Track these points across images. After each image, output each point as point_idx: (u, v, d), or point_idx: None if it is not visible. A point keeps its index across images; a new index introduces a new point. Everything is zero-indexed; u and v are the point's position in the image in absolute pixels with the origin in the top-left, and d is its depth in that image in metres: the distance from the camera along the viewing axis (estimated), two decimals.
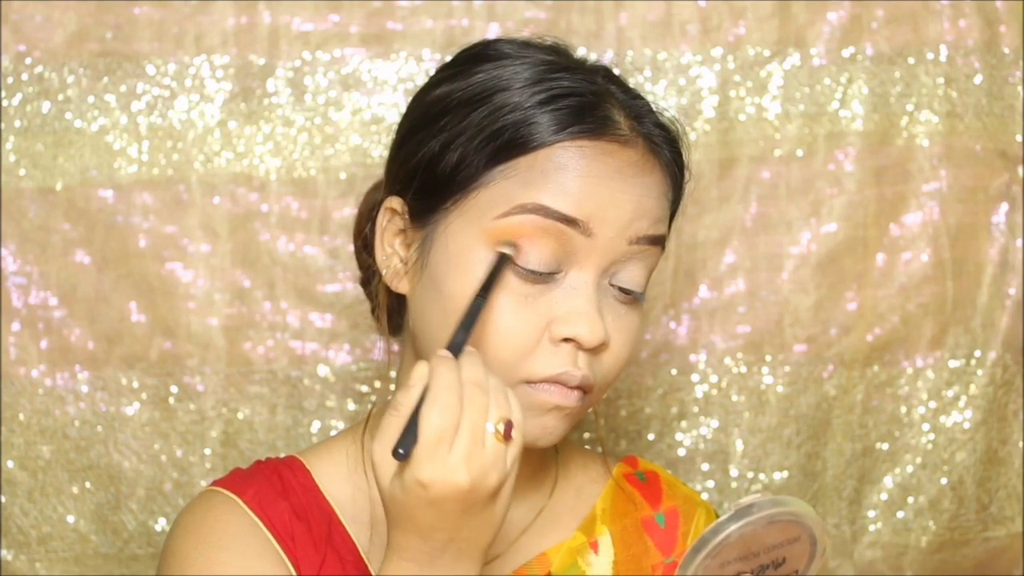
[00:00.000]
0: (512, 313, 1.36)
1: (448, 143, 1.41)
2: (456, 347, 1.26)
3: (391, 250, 1.47)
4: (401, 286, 1.46)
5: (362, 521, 1.48)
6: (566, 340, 1.37)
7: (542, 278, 1.37)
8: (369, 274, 1.55)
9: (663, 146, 1.45)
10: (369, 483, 1.49)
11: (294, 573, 1.41)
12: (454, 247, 1.39)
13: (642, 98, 1.48)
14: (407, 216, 1.45)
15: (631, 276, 1.41)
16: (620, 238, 1.38)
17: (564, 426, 1.40)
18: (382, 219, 1.48)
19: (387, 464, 1.22)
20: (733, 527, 1.23)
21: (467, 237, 1.38)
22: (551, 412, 1.38)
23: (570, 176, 1.37)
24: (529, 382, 1.37)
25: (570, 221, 1.36)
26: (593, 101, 1.41)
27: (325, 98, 2.01)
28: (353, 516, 1.48)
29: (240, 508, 1.44)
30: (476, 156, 1.39)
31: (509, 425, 1.22)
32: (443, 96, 1.45)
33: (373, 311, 1.58)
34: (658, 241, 1.43)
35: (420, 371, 1.23)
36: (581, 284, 1.38)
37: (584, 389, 1.39)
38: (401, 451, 1.18)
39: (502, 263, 1.35)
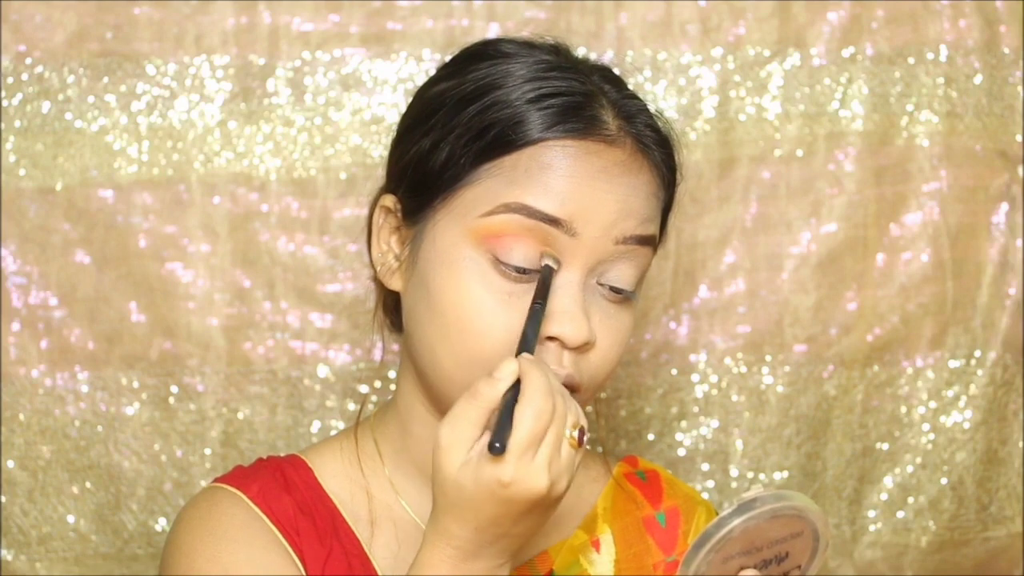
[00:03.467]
0: (496, 311, 1.37)
1: (438, 141, 1.42)
2: (530, 353, 1.29)
3: (386, 247, 1.48)
4: (394, 283, 1.47)
5: (362, 517, 1.48)
6: (550, 339, 1.37)
7: (526, 276, 1.37)
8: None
9: (653, 147, 1.45)
10: (366, 479, 1.50)
11: (300, 567, 1.41)
12: (441, 245, 1.40)
13: (637, 98, 1.48)
14: (400, 214, 1.46)
15: (620, 275, 1.41)
16: (606, 238, 1.39)
17: None
18: (378, 217, 1.49)
19: (456, 448, 1.22)
20: (736, 521, 1.23)
21: (453, 235, 1.39)
22: None
23: (554, 175, 1.37)
24: None
25: (553, 221, 1.37)
26: (581, 101, 1.41)
27: (325, 98, 2.01)
28: (354, 512, 1.48)
29: (245, 503, 1.44)
30: (463, 154, 1.40)
31: (583, 432, 1.24)
32: (439, 93, 1.46)
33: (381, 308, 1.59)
34: (647, 241, 1.43)
35: (510, 367, 1.24)
36: (566, 283, 1.38)
37: (570, 388, 1.38)
38: (497, 445, 1.18)
39: (548, 275, 1.37)
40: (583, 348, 1.39)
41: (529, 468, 1.20)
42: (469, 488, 1.21)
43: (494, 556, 1.26)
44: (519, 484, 1.20)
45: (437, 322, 1.38)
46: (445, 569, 1.25)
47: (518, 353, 1.28)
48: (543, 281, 1.36)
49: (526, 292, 1.37)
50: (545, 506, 1.24)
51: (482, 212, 1.38)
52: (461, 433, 1.22)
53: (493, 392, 1.22)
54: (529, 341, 1.30)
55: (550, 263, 1.37)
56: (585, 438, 1.25)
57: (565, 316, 1.37)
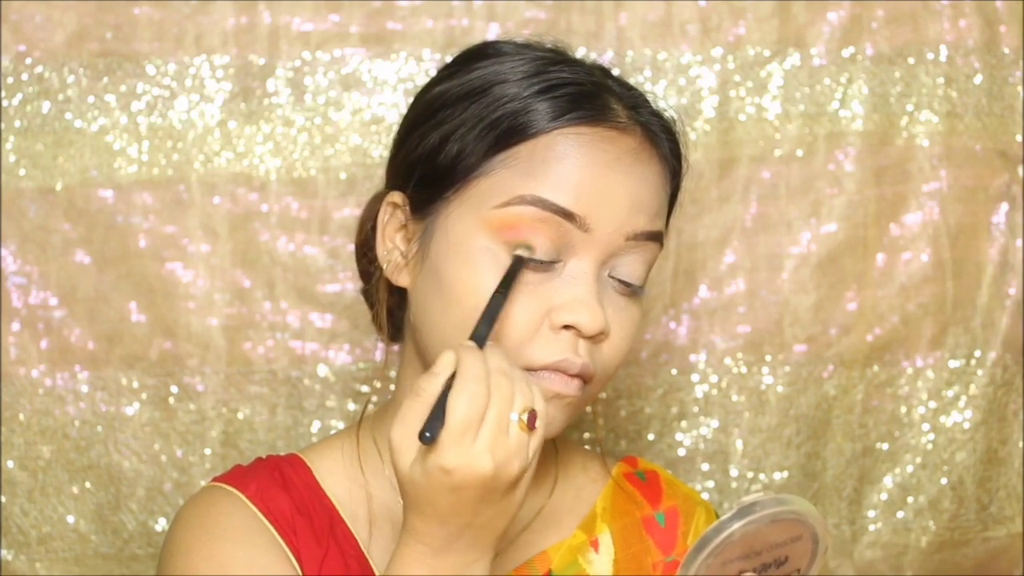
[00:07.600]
0: (512, 300, 1.36)
1: (448, 134, 1.42)
2: (479, 340, 1.27)
3: (392, 245, 1.48)
4: (402, 279, 1.47)
5: (361, 517, 1.48)
6: (566, 328, 1.37)
7: (542, 266, 1.38)
8: (369, 280, 1.55)
9: (661, 135, 1.46)
10: (367, 479, 1.50)
11: (297, 566, 1.41)
12: (454, 236, 1.40)
13: (638, 91, 1.49)
14: (408, 209, 1.46)
15: (630, 270, 1.42)
16: (617, 234, 1.39)
17: (564, 416, 1.40)
18: (383, 215, 1.49)
19: (406, 447, 1.22)
20: (736, 526, 1.23)
21: (467, 225, 1.39)
22: (552, 401, 1.38)
23: (569, 166, 1.38)
24: (529, 369, 1.37)
25: (567, 215, 1.37)
26: (591, 90, 1.42)
27: (325, 98, 2.01)
28: (353, 512, 1.48)
29: (243, 502, 1.44)
30: (476, 145, 1.40)
31: (533, 415, 1.23)
32: (442, 92, 1.46)
33: (374, 319, 1.58)
34: (655, 237, 1.43)
35: (447, 359, 1.23)
36: (581, 273, 1.39)
37: (584, 378, 1.39)
38: (428, 434, 1.18)
39: (517, 266, 1.36)
40: (598, 338, 1.39)
41: (469, 453, 1.19)
42: (421, 483, 1.21)
43: (465, 550, 1.25)
44: (462, 470, 1.19)
45: (452, 312, 1.38)
46: (417, 566, 1.25)
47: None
48: (511, 271, 1.35)
49: (542, 282, 1.38)
50: (501, 491, 1.23)
51: (497, 203, 1.38)
52: (409, 432, 1.21)
53: (433, 386, 1.22)
54: (480, 329, 1.29)
55: (522, 252, 1.37)
56: (538, 421, 1.23)
57: (581, 305, 1.37)
